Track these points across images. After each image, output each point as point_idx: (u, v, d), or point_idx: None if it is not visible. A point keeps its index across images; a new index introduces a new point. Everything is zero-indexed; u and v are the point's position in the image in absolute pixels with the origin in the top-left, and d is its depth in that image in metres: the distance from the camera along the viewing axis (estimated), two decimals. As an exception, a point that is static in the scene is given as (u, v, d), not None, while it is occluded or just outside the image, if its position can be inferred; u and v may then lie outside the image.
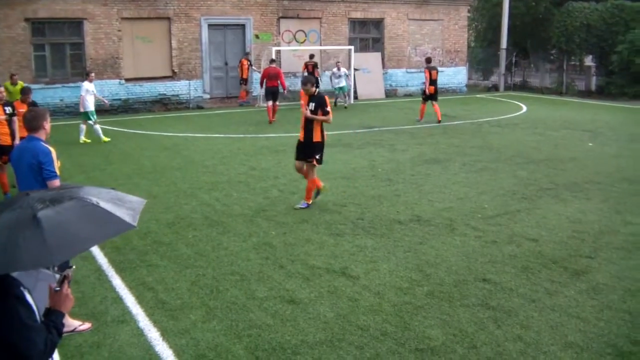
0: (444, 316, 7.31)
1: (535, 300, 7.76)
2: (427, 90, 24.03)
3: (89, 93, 19.79)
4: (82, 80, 26.41)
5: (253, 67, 29.72)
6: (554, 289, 8.11)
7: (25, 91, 15.08)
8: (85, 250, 4.38)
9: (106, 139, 19.78)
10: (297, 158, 12.10)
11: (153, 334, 6.92)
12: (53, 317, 3.73)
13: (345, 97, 29.85)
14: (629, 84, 33.06)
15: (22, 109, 13.22)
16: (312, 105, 11.71)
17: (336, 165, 15.66)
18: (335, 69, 29.06)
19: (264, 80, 24.88)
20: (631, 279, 8.44)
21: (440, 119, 23.56)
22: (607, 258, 9.27)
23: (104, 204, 3.70)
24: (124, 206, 3.83)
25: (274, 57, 27.52)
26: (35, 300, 3.69)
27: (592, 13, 35.13)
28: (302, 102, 11.98)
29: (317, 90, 12.24)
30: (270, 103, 24.23)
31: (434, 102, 23.85)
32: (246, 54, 29.66)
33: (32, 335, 3.48)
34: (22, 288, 3.60)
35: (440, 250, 9.59)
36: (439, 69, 34.13)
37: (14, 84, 20.25)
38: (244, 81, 29.31)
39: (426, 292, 8.02)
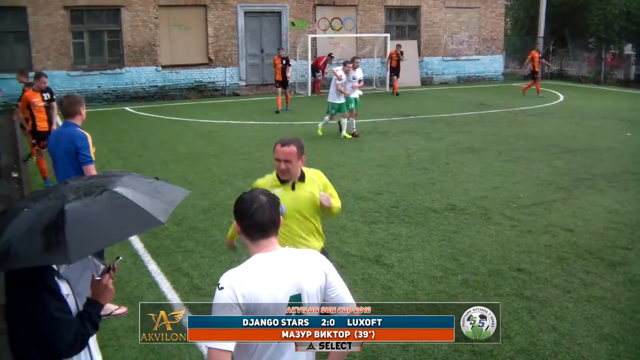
0: (478, 305, 7.29)
1: (570, 291, 7.71)
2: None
3: (336, 82, 18.03)
4: (121, 68, 26.99)
5: (290, 65, 24.39)
6: (589, 280, 8.05)
7: (38, 75, 13.42)
8: (105, 247, 4.27)
9: (348, 135, 18.09)
10: None
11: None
12: (89, 307, 3.62)
13: None
14: (669, 73, 32.51)
15: (36, 98, 12.87)
16: None
17: (372, 153, 15.65)
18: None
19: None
20: (669, 271, 8.35)
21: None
22: (644, 249, 9.16)
23: (137, 198, 3.54)
24: (159, 199, 3.66)
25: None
26: (80, 290, 3.60)
27: (632, 0, 34.53)
28: None
29: None
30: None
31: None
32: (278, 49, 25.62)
33: (61, 328, 3.36)
34: (56, 278, 3.48)
35: (475, 239, 9.56)
36: (475, 57, 34.10)
37: None
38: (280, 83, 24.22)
39: (460, 281, 8.01)
